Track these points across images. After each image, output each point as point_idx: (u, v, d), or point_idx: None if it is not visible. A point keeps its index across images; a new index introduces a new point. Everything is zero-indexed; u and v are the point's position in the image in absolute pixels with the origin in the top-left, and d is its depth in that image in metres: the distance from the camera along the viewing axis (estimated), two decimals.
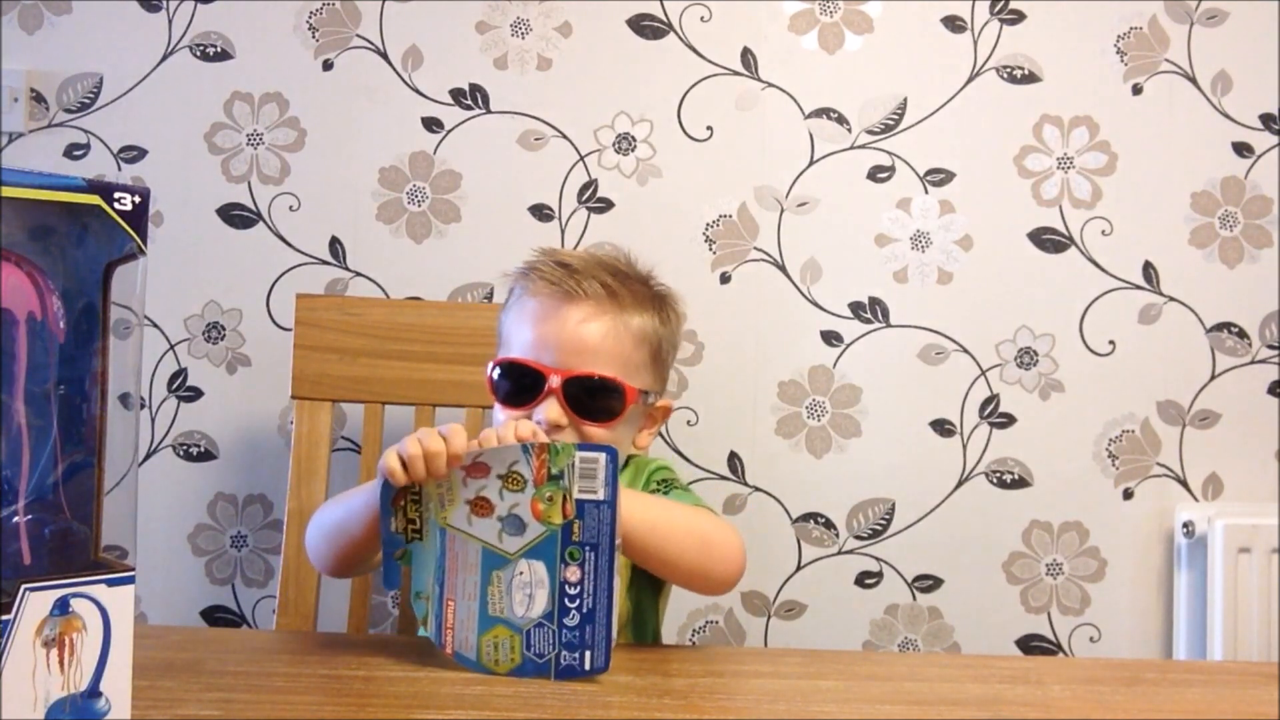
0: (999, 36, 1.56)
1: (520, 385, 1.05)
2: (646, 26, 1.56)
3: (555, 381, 1.03)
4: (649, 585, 1.14)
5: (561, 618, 0.86)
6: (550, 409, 1.03)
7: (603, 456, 0.87)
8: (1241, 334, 1.57)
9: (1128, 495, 1.57)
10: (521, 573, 0.87)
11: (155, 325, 1.56)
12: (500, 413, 1.07)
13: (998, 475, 1.57)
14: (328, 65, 1.57)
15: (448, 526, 0.89)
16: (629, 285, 1.10)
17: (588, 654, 0.86)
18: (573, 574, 0.86)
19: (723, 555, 1.01)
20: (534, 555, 0.87)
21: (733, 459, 1.57)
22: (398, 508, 0.90)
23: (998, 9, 1.56)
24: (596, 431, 1.05)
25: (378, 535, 0.91)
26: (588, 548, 0.87)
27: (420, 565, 0.89)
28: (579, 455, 0.87)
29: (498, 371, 1.07)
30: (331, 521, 1.04)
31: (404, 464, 0.88)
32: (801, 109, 1.57)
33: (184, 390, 1.57)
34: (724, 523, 1.05)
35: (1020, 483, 1.57)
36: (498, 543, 0.88)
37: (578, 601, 0.86)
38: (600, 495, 0.87)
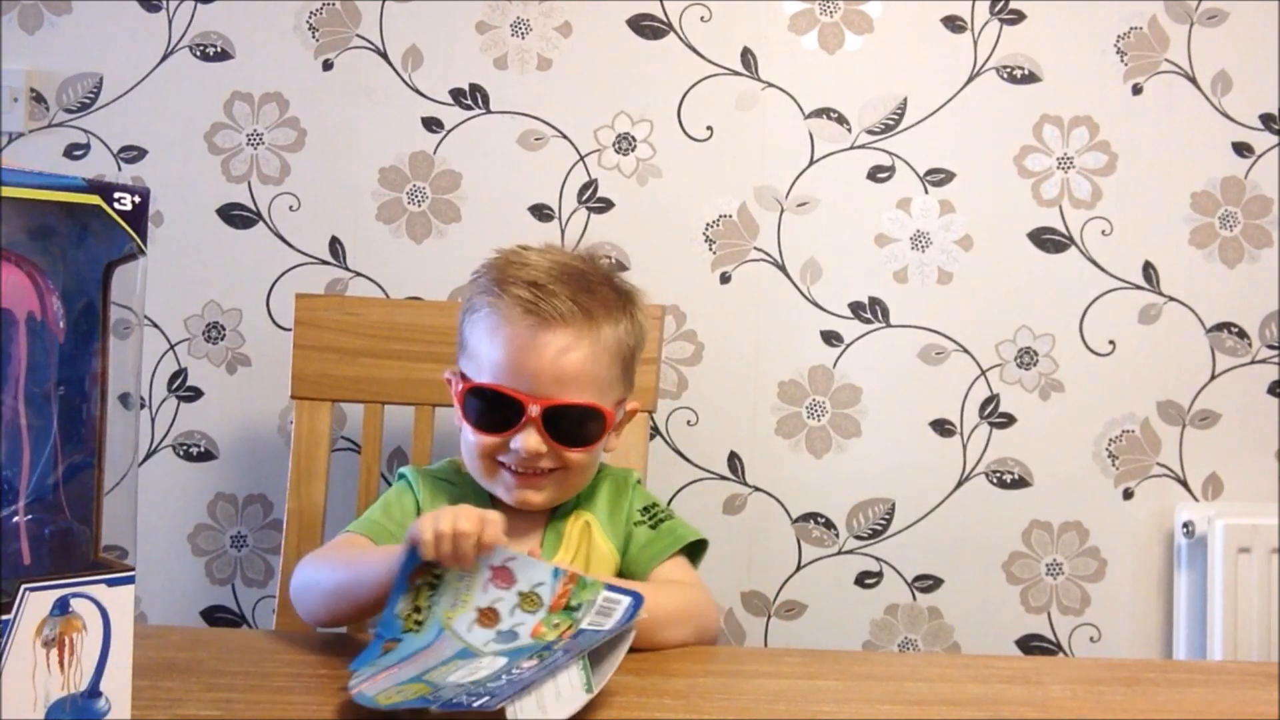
0: (999, 36, 1.56)
1: (497, 413, 1.03)
2: (646, 26, 1.56)
3: (535, 411, 1.01)
4: None
5: (488, 682, 0.77)
6: (529, 438, 1.01)
7: (627, 600, 0.83)
8: (1241, 334, 1.57)
9: (1128, 495, 1.57)
10: (480, 660, 0.82)
11: (155, 325, 1.56)
12: (472, 435, 1.05)
13: (998, 475, 1.57)
14: (328, 65, 1.57)
15: (448, 628, 0.85)
16: (599, 295, 1.06)
17: (484, 700, 0.72)
18: (528, 663, 0.79)
19: (709, 635, 1.02)
20: (504, 654, 0.82)
21: (733, 459, 1.57)
22: (414, 586, 0.86)
23: (998, 9, 1.56)
24: (576, 456, 1.04)
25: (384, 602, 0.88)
26: (561, 652, 0.80)
27: (403, 647, 0.84)
28: (604, 595, 0.84)
29: (472, 394, 1.05)
30: (335, 583, 1.00)
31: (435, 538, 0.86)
32: (801, 109, 1.57)
33: (184, 390, 1.57)
34: (706, 592, 1.05)
35: (1020, 483, 1.57)
36: (481, 647, 0.84)
37: (514, 676, 0.77)
38: (605, 628, 0.82)
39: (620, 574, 1.09)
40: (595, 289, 1.06)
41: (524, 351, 1.02)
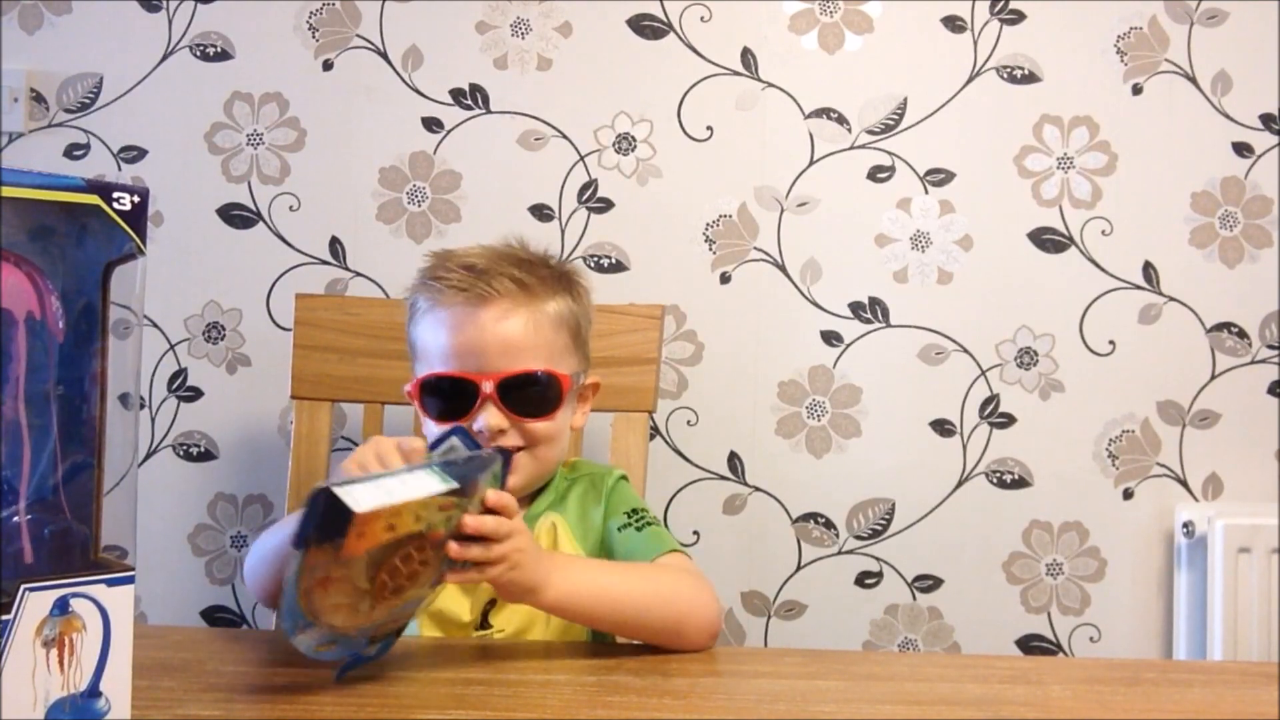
0: (999, 36, 1.56)
1: (453, 398, 1.03)
2: (646, 26, 1.56)
3: (488, 387, 1.01)
4: None
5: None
6: (490, 415, 1.01)
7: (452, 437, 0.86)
8: (1241, 334, 1.57)
9: (1128, 495, 1.57)
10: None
11: (155, 325, 1.56)
12: (436, 427, 1.04)
13: (998, 475, 1.57)
14: (328, 65, 1.57)
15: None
16: (536, 273, 1.08)
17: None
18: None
19: (697, 626, 0.95)
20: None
21: (733, 459, 1.57)
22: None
23: (998, 9, 1.56)
24: (538, 427, 1.04)
25: None
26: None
27: None
28: (436, 459, 0.84)
29: (426, 388, 1.05)
30: (278, 543, 0.98)
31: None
32: (801, 109, 1.57)
33: (184, 390, 1.57)
34: (698, 581, 0.99)
35: (1020, 483, 1.57)
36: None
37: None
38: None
39: None
40: (532, 268, 1.08)
41: (465, 330, 1.03)
